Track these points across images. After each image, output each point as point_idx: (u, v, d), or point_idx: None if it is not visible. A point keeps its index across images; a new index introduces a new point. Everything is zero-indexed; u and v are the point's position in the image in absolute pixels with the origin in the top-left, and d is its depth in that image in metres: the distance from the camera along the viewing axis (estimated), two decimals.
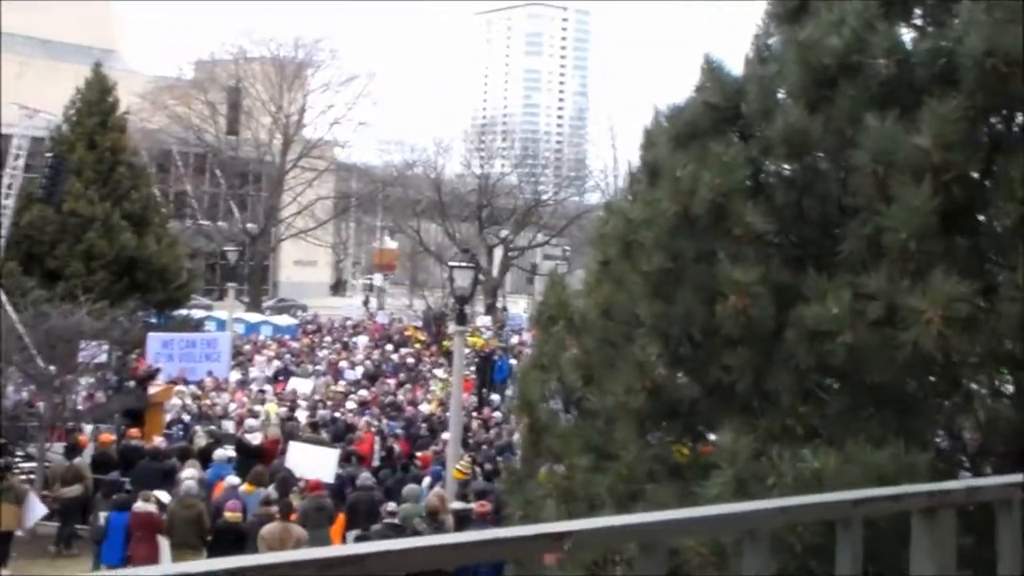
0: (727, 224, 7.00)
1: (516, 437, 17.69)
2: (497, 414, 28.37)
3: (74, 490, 19.61)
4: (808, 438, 6.88)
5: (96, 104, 40.50)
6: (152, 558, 16.49)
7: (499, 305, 74.81)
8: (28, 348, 23.44)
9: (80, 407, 24.25)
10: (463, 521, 16.00)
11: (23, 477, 21.69)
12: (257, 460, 21.49)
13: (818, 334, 6.41)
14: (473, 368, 37.44)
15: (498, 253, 78.33)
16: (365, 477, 18.94)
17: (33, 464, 21.72)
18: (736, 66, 8.16)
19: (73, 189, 37.73)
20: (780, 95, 7.65)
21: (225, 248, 46.68)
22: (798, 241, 7.58)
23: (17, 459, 22.43)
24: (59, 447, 22.34)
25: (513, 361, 36.79)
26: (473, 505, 16.60)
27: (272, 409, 26.35)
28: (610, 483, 7.84)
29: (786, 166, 7.67)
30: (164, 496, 17.83)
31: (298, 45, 71.61)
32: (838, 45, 6.87)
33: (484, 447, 24.02)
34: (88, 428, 23.84)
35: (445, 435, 22.61)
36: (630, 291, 7.99)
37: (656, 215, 7.49)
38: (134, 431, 22.31)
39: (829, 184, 7.38)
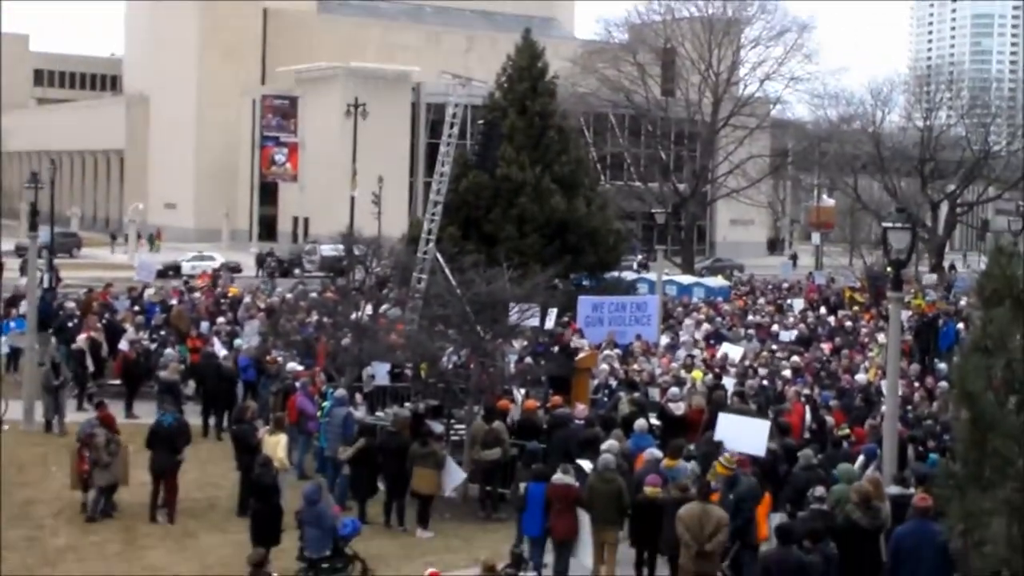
0: None
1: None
2: (943, 384, 26.24)
3: (493, 454, 19.75)
4: None
5: (526, 70, 41.10)
6: (571, 530, 16.20)
7: (946, 264, 70.73)
8: (466, 312, 23.87)
9: (511, 371, 24.55)
10: (900, 509, 14.59)
11: (455, 439, 22.31)
12: (680, 430, 20.90)
13: None
14: (913, 333, 35.20)
15: (944, 209, 74.05)
16: (806, 455, 17.70)
17: (463, 427, 22.17)
18: None
19: (505, 155, 38.53)
20: None
21: (653, 210, 46.45)
22: None
23: (452, 422, 23.05)
24: None
25: (960, 326, 34.18)
26: (912, 491, 15.14)
27: (698, 376, 25.59)
28: None
29: None
30: (586, 465, 17.55)
31: (726, 1, 70.31)
32: None
33: (927, 422, 22.19)
34: (518, 393, 24.08)
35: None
36: None
37: None
38: (557, 398, 22.26)
39: None
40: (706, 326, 36.40)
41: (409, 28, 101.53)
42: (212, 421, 25.58)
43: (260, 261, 66.91)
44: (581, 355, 26.18)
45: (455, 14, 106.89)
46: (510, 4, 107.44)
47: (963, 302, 43.48)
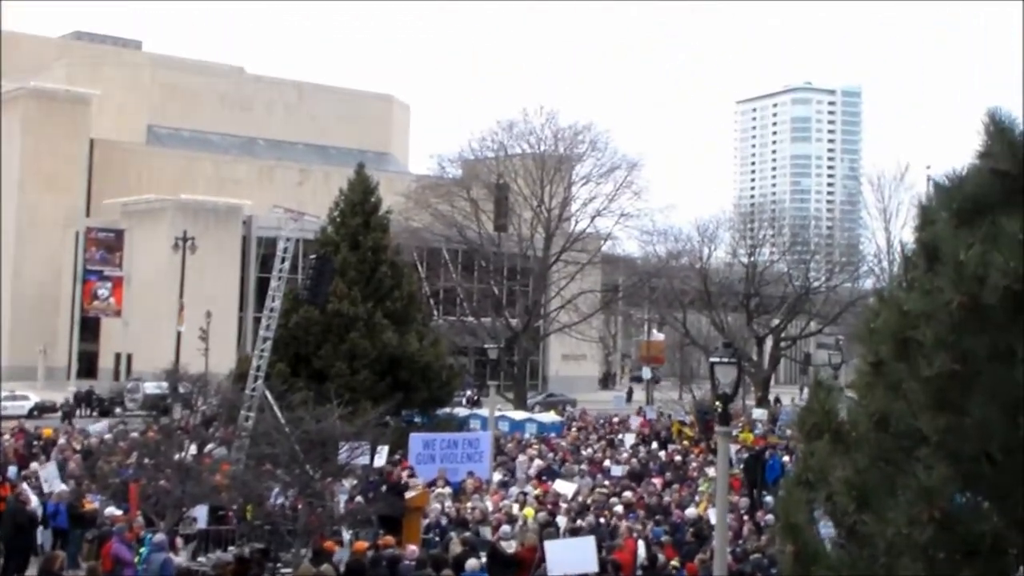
0: None
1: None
2: (770, 518, 26.53)
3: None
4: None
5: (359, 205, 41.23)
6: None
7: (771, 397, 72.41)
8: (295, 450, 23.35)
9: (341, 511, 23.96)
10: None
11: None
12: (511, 570, 20.55)
13: None
14: (742, 466, 35.70)
15: (768, 343, 76.13)
16: None
17: (289, 571, 21.41)
18: None
19: (337, 289, 38.29)
20: None
21: (486, 346, 46.55)
22: None
23: (279, 566, 22.25)
24: None
25: (786, 459, 34.78)
26: None
27: (530, 514, 25.36)
28: None
29: None
30: None
31: (558, 139, 71.92)
32: None
33: (755, 555, 22.31)
34: (347, 534, 23.47)
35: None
36: (908, 399, 6.66)
37: (937, 307, 6.20)
38: (387, 538, 21.73)
39: None
40: (538, 462, 36.25)
41: (241, 161, 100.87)
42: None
43: (78, 400, 64.42)
44: (412, 494, 25.71)
45: (288, 148, 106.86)
46: (344, 138, 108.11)
47: (789, 432, 44.38)
